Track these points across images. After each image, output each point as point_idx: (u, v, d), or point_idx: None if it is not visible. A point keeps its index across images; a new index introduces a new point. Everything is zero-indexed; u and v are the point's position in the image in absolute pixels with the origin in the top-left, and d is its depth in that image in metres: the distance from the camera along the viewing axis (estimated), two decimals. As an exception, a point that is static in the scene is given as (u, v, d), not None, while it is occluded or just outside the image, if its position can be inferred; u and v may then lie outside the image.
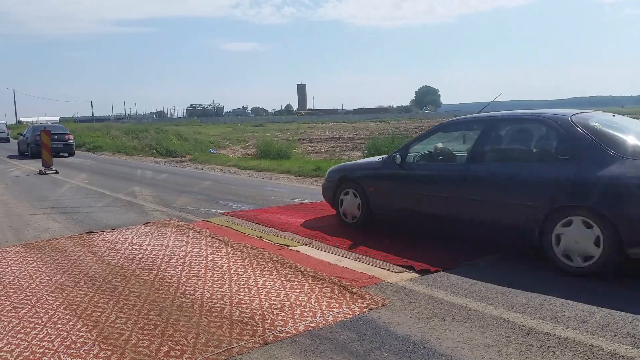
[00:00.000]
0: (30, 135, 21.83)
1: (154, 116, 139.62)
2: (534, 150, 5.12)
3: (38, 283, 4.59)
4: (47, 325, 3.65)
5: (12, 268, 5.09)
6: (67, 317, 3.79)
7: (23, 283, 4.59)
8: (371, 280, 4.40)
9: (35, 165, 16.77)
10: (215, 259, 5.20)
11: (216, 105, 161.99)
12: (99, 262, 5.15)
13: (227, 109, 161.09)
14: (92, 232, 6.61)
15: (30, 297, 4.25)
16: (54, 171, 14.28)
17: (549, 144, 4.91)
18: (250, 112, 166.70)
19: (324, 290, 4.16)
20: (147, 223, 7.05)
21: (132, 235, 6.30)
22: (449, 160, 5.77)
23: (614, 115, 5.25)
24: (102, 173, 14.51)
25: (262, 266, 4.86)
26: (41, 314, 3.86)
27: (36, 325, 3.65)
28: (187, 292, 4.23)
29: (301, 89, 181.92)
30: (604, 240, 4.12)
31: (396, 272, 4.56)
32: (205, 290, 4.25)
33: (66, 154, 21.64)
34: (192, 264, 5.05)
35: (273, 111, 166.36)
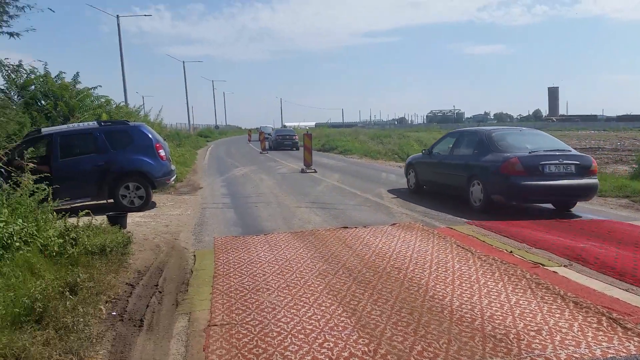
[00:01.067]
0: (273, 136, 34.88)
1: (396, 122, 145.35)
2: (470, 148, 9.16)
3: (305, 267, 5.26)
4: (314, 306, 4.15)
5: (284, 252, 5.94)
6: (329, 301, 4.24)
7: (293, 266, 5.32)
8: (653, 318, 3.73)
9: (297, 164, 19.26)
10: (462, 268, 5.14)
11: (456, 111, 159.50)
12: (354, 256, 5.62)
13: (467, 114, 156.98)
14: (347, 227, 7.25)
15: (299, 278, 4.90)
16: (313, 170, 16.18)
17: (475, 145, 8.95)
18: (492, 117, 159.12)
19: (589, 320, 3.71)
20: (394, 224, 7.40)
21: (382, 234, 6.69)
22: (444, 153, 9.98)
23: (520, 130, 9.71)
24: (353, 174, 15.80)
25: (514, 283, 4.60)
26: (308, 295, 4.42)
27: (305, 304, 4.19)
28: (435, 296, 4.29)
29: (552, 93, 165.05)
30: (483, 192, 8.30)
31: (689, 314, 3.76)
32: (454, 298, 4.23)
33: (294, 149, 31.15)
34: (439, 269, 5.09)
35: (519, 117, 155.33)
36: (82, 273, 4.49)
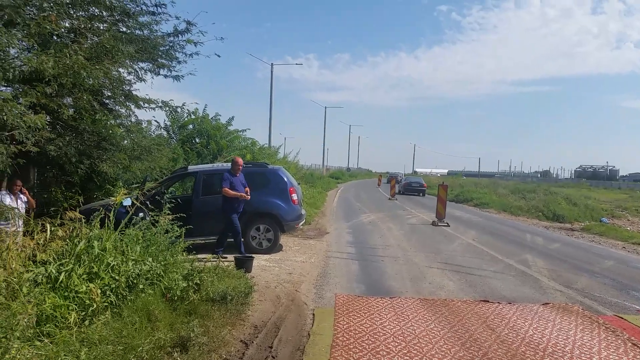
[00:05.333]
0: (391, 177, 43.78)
1: (539, 175, 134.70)
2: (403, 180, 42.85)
3: (437, 351, 4.48)
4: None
5: (413, 324, 5.22)
6: (467, 403, 3.45)
7: (423, 346, 4.57)
8: None
9: (429, 215, 18.28)
10: (644, 379, 3.97)
11: (609, 167, 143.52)
12: (499, 343, 4.70)
13: (622, 172, 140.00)
14: (488, 301, 6.28)
15: (430, 363, 4.15)
16: (446, 224, 15.11)
17: (405, 178, 44.72)
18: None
19: None
20: (546, 304, 6.24)
21: (531, 316, 5.62)
22: (405, 179, 44.21)
23: (413, 175, 58.51)
24: (490, 232, 14.42)
25: None
26: (440, 389, 3.66)
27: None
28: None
29: None
30: (402, 190, 36.95)
31: None
32: None
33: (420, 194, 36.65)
34: (612, 377, 3.99)
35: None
36: (197, 327, 4.27)
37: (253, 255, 8.04)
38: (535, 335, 4.94)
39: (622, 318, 5.71)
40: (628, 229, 20.38)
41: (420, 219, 17.25)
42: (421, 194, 34.12)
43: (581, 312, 5.89)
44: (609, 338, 4.92)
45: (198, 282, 5.35)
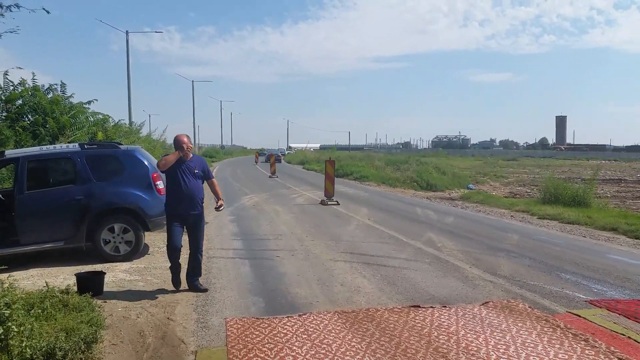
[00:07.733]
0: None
1: (401, 146, 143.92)
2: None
3: (389, 410, 3.02)
4: None
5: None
6: None
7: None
8: None
9: (315, 193, 17.11)
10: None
11: (462, 137, 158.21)
12: (466, 384, 3.37)
13: (473, 141, 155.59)
14: (419, 306, 5.01)
15: None
16: (335, 202, 13.98)
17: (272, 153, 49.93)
18: (498, 144, 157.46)
19: None
20: (486, 303, 5.13)
21: (479, 326, 4.42)
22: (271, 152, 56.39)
23: (278, 150, 70.98)
24: (382, 209, 13.56)
25: None
26: None
27: None
28: None
29: (560, 122, 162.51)
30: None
31: None
32: None
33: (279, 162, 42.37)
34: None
35: (525, 145, 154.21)
36: None
37: (102, 271, 5.90)
38: (502, 360, 3.71)
39: (579, 316, 4.76)
40: (493, 193, 21.38)
41: (307, 198, 15.96)
42: (279, 161, 43.74)
43: (533, 313, 4.84)
44: (588, 353, 3.88)
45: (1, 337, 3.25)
